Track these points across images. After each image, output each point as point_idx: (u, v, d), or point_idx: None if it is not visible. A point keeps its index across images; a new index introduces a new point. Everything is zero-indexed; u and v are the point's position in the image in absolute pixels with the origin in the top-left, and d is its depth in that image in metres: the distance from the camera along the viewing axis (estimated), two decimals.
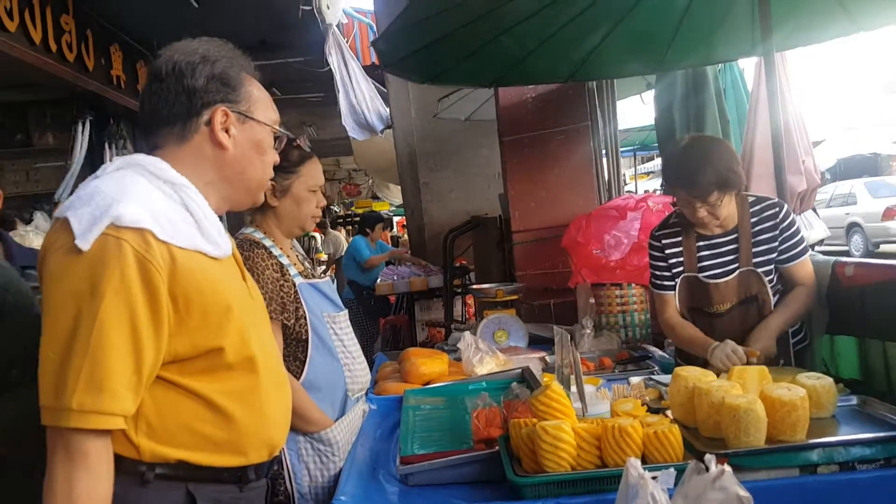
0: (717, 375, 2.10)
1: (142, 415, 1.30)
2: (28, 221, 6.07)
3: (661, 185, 5.18)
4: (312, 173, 2.32)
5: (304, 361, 2.17)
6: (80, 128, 6.21)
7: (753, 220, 2.55)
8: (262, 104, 1.51)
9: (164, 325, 1.27)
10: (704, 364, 2.28)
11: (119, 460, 1.27)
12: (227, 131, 1.44)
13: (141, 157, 1.40)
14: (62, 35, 5.38)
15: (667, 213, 2.85)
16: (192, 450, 1.34)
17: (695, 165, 2.42)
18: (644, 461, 1.71)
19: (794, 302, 2.52)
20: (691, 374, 1.94)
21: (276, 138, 1.54)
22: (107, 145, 6.41)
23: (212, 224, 1.39)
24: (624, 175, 13.86)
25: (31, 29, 4.94)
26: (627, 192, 5.42)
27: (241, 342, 1.38)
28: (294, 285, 2.18)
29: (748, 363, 2.33)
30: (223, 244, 1.41)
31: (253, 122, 1.48)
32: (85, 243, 1.22)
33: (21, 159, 6.85)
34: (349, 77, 7.02)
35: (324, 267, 12.55)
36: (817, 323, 2.65)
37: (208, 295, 1.32)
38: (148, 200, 1.30)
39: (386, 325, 6.92)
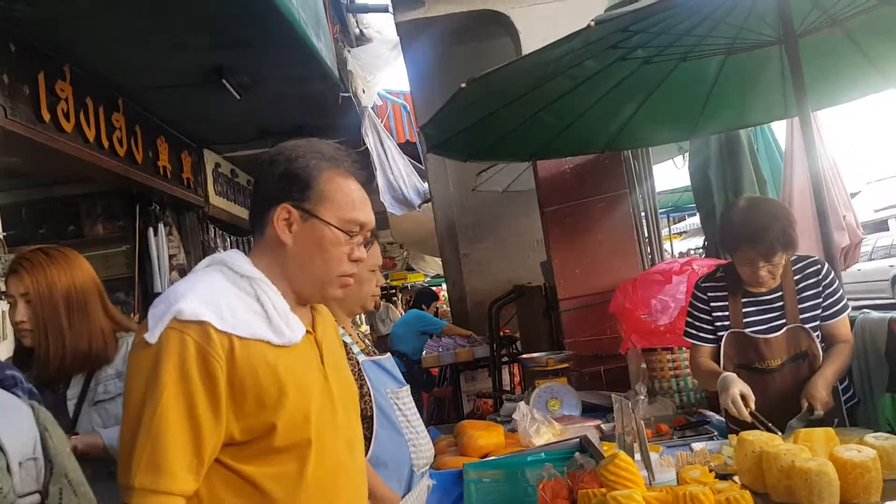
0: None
1: (198, 496, 1.37)
2: None
3: (703, 247, 5.18)
4: (373, 255, 2.41)
5: (371, 438, 2.20)
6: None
7: (796, 277, 2.61)
8: (335, 204, 1.52)
9: (223, 409, 1.35)
10: (753, 428, 2.26)
11: None
12: (290, 228, 1.50)
13: (225, 254, 1.52)
14: (114, 132, 5.65)
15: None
16: None
17: (761, 225, 2.47)
18: None
19: (840, 355, 2.55)
20: (758, 438, 1.94)
21: (351, 235, 1.53)
22: (152, 232, 6.65)
23: (281, 315, 1.45)
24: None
25: (86, 128, 5.21)
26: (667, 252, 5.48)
27: (293, 426, 1.41)
28: (358, 363, 2.24)
29: (810, 419, 2.35)
30: (289, 333, 1.45)
31: (315, 220, 1.50)
32: (152, 337, 1.34)
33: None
34: (385, 155, 7.23)
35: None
36: (877, 381, 2.63)
37: (264, 381, 1.38)
38: (213, 294, 1.39)
39: (430, 399, 6.89)
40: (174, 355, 1.32)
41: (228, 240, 9.42)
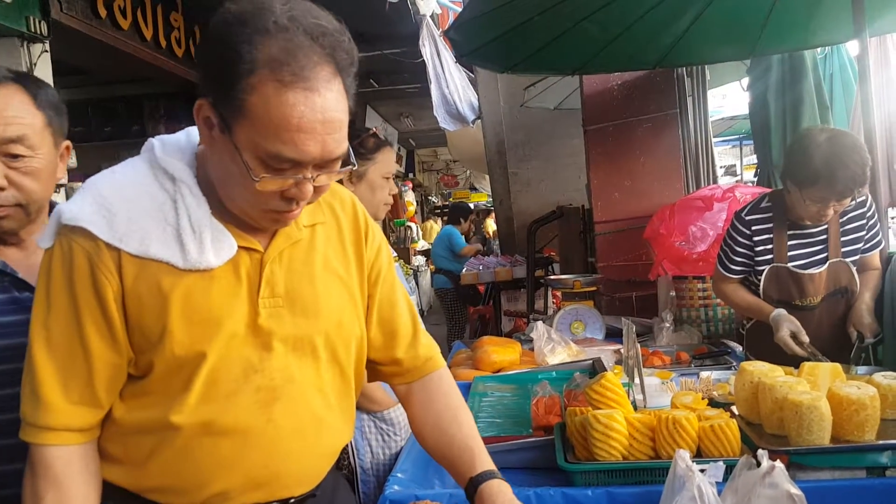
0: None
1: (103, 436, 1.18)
2: None
3: (755, 175, 4.95)
4: (387, 161, 2.37)
5: None
6: None
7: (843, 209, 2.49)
8: (256, 124, 1.03)
9: (118, 332, 1.12)
10: (776, 360, 2.20)
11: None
12: (210, 130, 1.10)
13: (166, 138, 1.22)
14: (171, 32, 5.68)
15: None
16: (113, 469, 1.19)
17: (843, 163, 2.30)
18: (699, 455, 1.68)
19: (873, 279, 2.54)
20: (757, 368, 1.87)
21: (275, 171, 1.06)
22: None
23: (195, 228, 1.13)
24: (734, 166, 13.13)
25: (143, 27, 5.24)
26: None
27: (177, 368, 1.13)
28: None
29: (860, 347, 2.39)
30: (196, 253, 1.12)
31: (228, 138, 1.06)
32: (45, 241, 1.13)
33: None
34: (441, 67, 7.05)
35: (421, 259, 12.61)
36: None
37: (148, 314, 1.12)
38: (114, 193, 1.12)
39: (474, 315, 6.96)
40: (60, 267, 1.11)
41: None
